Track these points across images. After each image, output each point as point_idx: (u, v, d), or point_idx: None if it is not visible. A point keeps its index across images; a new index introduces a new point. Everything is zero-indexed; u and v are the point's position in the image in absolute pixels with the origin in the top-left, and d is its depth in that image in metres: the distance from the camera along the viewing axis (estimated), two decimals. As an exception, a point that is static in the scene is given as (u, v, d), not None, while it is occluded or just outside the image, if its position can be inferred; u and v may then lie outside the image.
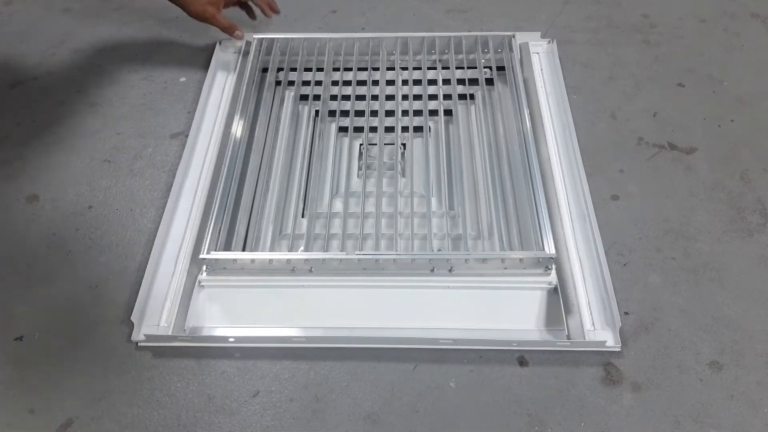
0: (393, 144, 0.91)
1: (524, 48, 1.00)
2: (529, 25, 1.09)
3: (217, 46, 1.03)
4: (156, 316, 0.72)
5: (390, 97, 0.95)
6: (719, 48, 1.05)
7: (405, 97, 0.94)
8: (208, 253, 0.74)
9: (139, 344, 0.71)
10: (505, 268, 0.74)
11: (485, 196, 0.82)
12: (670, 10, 1.12)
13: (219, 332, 0.72)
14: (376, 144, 0.88)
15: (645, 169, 0.88)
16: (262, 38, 1.00)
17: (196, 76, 1.02)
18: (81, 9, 1.15)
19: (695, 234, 0.80)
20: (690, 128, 0.93)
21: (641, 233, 0.81)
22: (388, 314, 0.74)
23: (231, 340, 0.71)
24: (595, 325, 0.71)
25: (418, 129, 0.92)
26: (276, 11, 1.06)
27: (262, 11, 1.05)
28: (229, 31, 1.00)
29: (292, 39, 1.01)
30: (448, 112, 0.94)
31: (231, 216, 0.80)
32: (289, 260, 0.74)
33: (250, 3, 1.05)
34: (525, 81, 0.94)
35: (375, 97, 0.94)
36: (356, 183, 0.88)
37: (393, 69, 0.98)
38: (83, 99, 0.99)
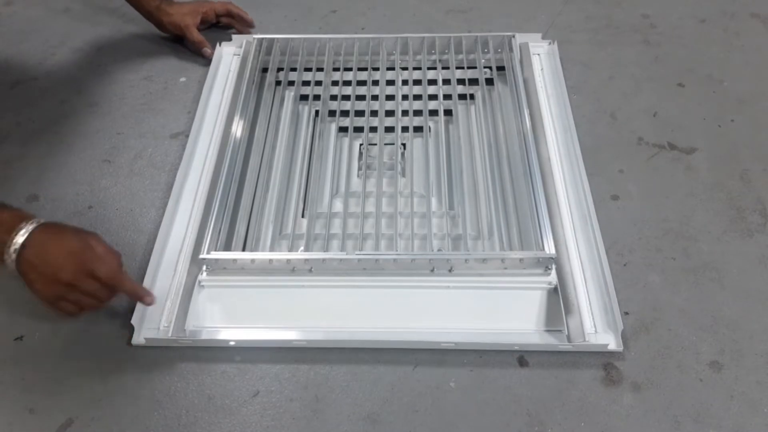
0: (393, 144, 0.91)
1: (524, 48, 1.00)
2: (529, 25, 1.09)
3: (218, 46, 1.03)
4: (156, 318, 0.72)
5: (390, 97, 0.95)
6: (719, 48, 1.05)
7: (405, 97, 0.94)
8: (208, 253, 0.74)
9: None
10: (505, 268, 0.74)
11: (485, 196, 0.82)
12: (670, 10, 1.12)
13: (219, 335, 0.72)
14: (376, 144, 0.88)
15: (645, 169, 0.88)
16: (262, 38, 1.00)
17: (196, 76, 1.02)
18: (81, 9, 1.15)
19: (695, 234, 0.80)
20: (690, 128, 0.93)
21: (641, 233, 0.81)
22: (388, 314, 0.74)
23: (231, 343, 0.71)
24: (597, 327, 0.71)
25: (418, 129, 0.92)
26: (250, 25, 1.08)
27: (238, 30, 1.08)
28: (199, 45, 1.03)
29: (292, 39, 1.01)
30: (448, 112, 0.94)
31: (231, 216, 0.80)
32: (289, 260, 0.74)
33: (226, 21, 1.08)
34: (525, 81, 0.93)
35: (375, 97, 0.94)
36: (356, 183, 0.88)
37: (393, 69, 0.98)
38: (83, 99, 0.99)
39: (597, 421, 0.65)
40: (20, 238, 0.64)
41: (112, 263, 0.67)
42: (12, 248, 0.64)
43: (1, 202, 0.68)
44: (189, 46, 1.05)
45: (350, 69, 0.98)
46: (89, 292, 0.66)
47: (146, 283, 0.74)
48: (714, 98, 0.97)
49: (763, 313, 0.73)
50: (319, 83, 0.96)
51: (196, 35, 1.03)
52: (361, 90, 0.96)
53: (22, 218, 0.65)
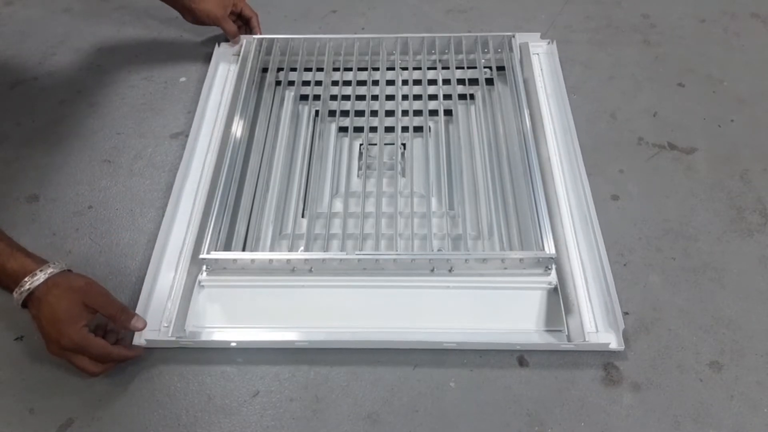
0: (393, 144, 0.91)
1: (524, 48, 1.00)
2: (529, 25, 1.09)
3: (217, 46, 1.03)
4: (157, 318, 0.72)
5: (390, 97, 0.95)
6: (719, 48, 1.05)
7: (405, 97, 0.94)
8: (208, 253, 0.74)
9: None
10: (505, 268, 0.74)
11: (485, 196, 0.82)
12: (670, 10, 1.12)
13: (220, 336, 0.72)
14: (376, 144, 0.88)
15: (645, 169, 0.88)
16: (262, 38, 1.00)
17: (196, 76, 1.02)
18: (81, 9, 1.15)
19: (695, 234, 0.80)
20: (690, 128, 0.93)
21: (641, 233, 0.81)
22: (388, 314, 0.74)
23: (233, 344, 0.71)
24: (598, 327, 0.71)
25: (418, 129, 0.92)
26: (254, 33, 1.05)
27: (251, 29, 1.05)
28: (233, 36, 1.02)
29: (292, 39, 1.01)
30: (448, 112, 0.94)
31: (231, 216, 0.80)
32: (289, 260, 0.74)
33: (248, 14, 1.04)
34: (525, 81, 0.93)
35: (375, 97, 0.94)
36: (356, 183, 0.88)
37: (393, 69, 0.98)
38: (83, 99, 0.99)
39: (597, 421, 0.65)
40: (25, 291, 0.65)
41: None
42: (19, 300, 0.65)
43: (18, 246, 0.68)
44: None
45: (350, 69, 0.98)
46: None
47: (146, 283, 0.74)
48: (714, 98, 0.97)
49: (763, 313, 0.73)
50: (319, 83, 0.96)
51: (230, 26, 1.01)
52: (361, 90, 0.96)
53: (27, 272, 0.65)
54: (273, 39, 1.00)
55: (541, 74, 0.98)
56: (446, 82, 0.96)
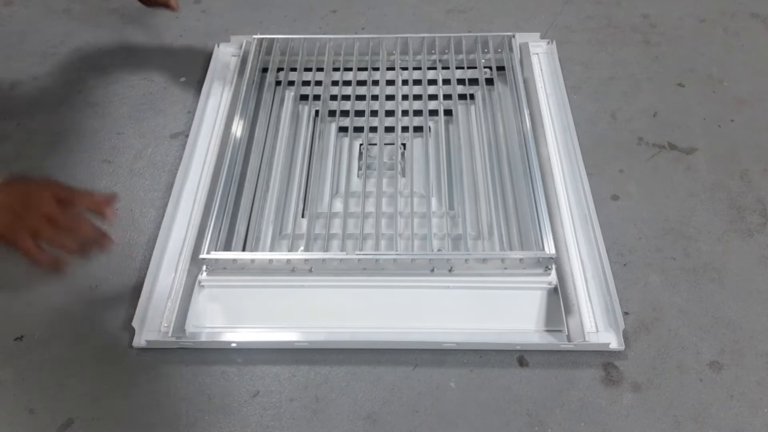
0: (393, 144, 0.91)
1: (524, 48, 1.00)
2: (529, 25, 1.09)
3: (216, 46, 1.03)
4: (157, 319, 0.72)
5: (390, 97, 0.95)
6: (719, 48, 1.05)
7: (405, 97, 0.94)
8: (208, 253, 0.74)
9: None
10: (505, 268, 0.74)
11: (485, 196, 0.82)
12: (670, 10, 1.12)
13: (220, 336, 0.72)
14: (376, 144, 0.88)
15: (645, 169, 0.88)
16: (262, 38, 1.00)
17: (196, 76, 1.02)
18: (81, 9, 1.15)
19: (695, 234, 0.81)
20: (690, 128, 0.93)
21: (641, 233, 0.81)
22: (388, 314, 0.74)
23: (233, 345, 0.71)
24: (598, 326, 0.71)
25: (418, 129, 0.92)
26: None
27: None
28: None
29: (292, 39, 1.01)
30: (448, 112, 0.94)
31: (231, 216, 0.80)
32: (289, 260, 0.74)
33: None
34: (525, 81, 0.93)
35: (375, 97, 0.94)
36: (356, 183, 0.88)
37: (393, 69, 0.98)
38: (83, 99, 0.99)
39: (597, 421, 0.65)
40: None
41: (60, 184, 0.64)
42: None
43: None
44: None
45: (350, 69, 0.98)
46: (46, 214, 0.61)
47: (146, 284, 0.74)
48: (714, 98, 0.97)
49: (763, 313, 0.73)
50: (319, 83, 0.96)
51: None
52: (361, 90, 0.96)
53: None
54: (273, 39, 1.00)
55: (540, 74, 0.98)
56: (446, 82, 0.96)
